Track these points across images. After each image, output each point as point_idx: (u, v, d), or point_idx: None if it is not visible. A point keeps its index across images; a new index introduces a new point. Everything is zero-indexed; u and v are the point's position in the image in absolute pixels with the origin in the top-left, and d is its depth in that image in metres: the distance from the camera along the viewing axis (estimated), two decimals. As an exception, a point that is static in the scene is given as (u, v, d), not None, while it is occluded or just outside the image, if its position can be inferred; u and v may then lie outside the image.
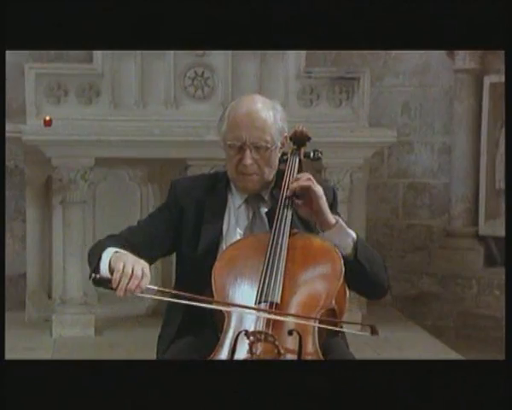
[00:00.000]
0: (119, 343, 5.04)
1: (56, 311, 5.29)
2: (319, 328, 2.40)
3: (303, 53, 5.62)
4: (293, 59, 5.60)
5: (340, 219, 2.65)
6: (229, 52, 5.50)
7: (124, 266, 2.40)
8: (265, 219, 2.73)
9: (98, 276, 2.45)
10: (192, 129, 5.23)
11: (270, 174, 2.74)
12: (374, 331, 2.40)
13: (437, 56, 6.01)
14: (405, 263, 6.15)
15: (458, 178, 6.00)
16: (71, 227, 5.27)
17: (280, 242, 2.56)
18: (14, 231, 5.83)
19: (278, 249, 2.54)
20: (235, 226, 2.74)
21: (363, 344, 5.00)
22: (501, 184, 5.77)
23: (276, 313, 2.40)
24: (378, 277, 2.67)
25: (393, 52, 6.08)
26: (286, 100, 5.61)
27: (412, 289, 6.16)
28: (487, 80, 5.84)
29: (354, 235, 2.64)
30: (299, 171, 2.82)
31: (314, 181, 2.64)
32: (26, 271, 5.65)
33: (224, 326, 2.45)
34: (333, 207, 2.76)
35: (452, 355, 4.92)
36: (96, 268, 2.53)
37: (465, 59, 5.85)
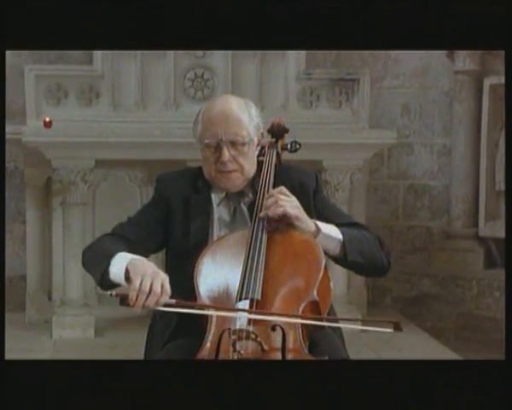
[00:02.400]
0: (120, 345, 5.04)
1: (56, 312, 5.30)
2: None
3: (303, 54, 5.62)
4: (293, 60, 5.61)
5: (322, 226, 2.63)
6: (229, 54, 5.50)
7: (141, 283, 2.36)
8: (247, 214, 2.73)
9: (114, 293, 2.40)
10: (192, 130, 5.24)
11: (250, 170, 2.74)
12: (397, 327, 2.36)
13: (437, 58, 6.02)
14: (405, 264, 6.15)
15: (458, 180, 6.01)
16: (71, 229, 5.27)
17: (259, 238, 2.57)
18: (14, 232, 5.83)
19: (258, 245, 2.55)
20: (217, 224, 2.75)
21: (363, 345, 5.01)
22: (501, 185, 5.78)
23: (258, 308, 2.42)
24: (376, 262, 2.69)
25: (393, 53, 6.09)
26: (286, 101, 5.62)
27: (412, 290, 6.16)
28: (487, 82, 5.84)
29: (340, 236, 2.63)
30: (278, 163, 2.82)
31: (285, 201, 2.59)
32: (26, 272, 5.66)
33: (208, 326, 2.46)
34: (316, 192, 2.77)
35: (452, 357, 4.92)
36: (103, 275, 2.51)
37: (465, 60, 5.85)
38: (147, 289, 2.34)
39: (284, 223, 2.61)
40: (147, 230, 2.74)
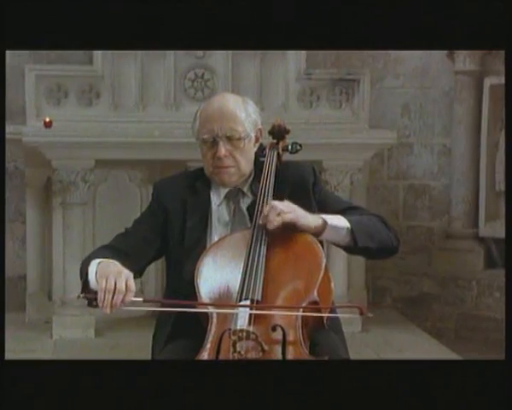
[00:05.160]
0: (120, 345, 5.04)
1: (56, 312, 5.30)
2: (302, 322, 2.42)
3: (303, 54, 5.62)
4: (294, 60, 5.61)
5: (328, 218, 2.62)
6: (230, 54, 5.51)
7: (106, 282, 2.41)
8: (246, 215, 2.74)
9: (82, 295, 2.48)
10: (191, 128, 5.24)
11: (246, 167, 2.75)
12: (362, 312, 2.44)
13: (437, 58, 6.01)
14: (405, 265, 6.15)
15: (458, 180, 6.01)
16: (71, 229, 5.27)
17: (260, 238, 2.57)
18: (15, 232, 5.83)
19: (258, 246, 2.55)
20: (217, 224, 2.75)
21: (363, 345, 5.02)
22: (501, 185, 5.77)
23: (258, 308, 2.42)
24: (385, 243, 2.69)
25: (393, 54, 6.09)
26: (286, 101, 5.62)
27: (412, 290, 6.16)
28: (487, 82, 5.84)
29: (347, 224, 2.62)
30: (278, 164, 2.82)
31: (281, 215, 2.56)
32: (26, 272, 5.66)
33: (208, 326, 2.46)
34: (315, 184, 2.77)
35: (452, 357, 4.92)
36: (84, 284, 2.56)
37: (465, 61, 5.85)
38: (112, 287, 2.39)
39: (287, 229, 2.60)
40: (142, 239, 2.76)
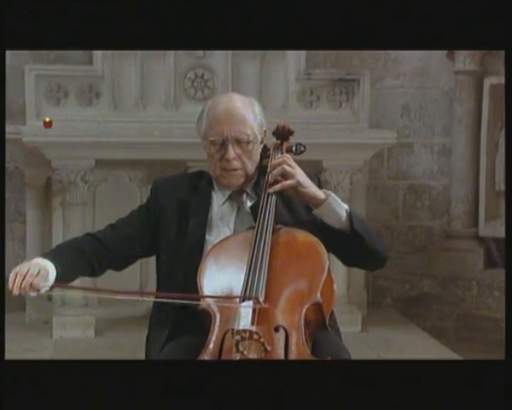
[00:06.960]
0: (120, 345, 5.04)
1: (56, 312, 5.29)
2: (305, 323, 2.42)
3: (303, 54, 5.63)
4: (294, 60, 5.61)
5: (332, 193, 2.66)
6: (229, 54, 5.51)
7: (20, 267, 2.53)
8: (250, 215, 2.74)
9: None
10: (192, 130, 5.21)
11: (252, 168, 2.76)
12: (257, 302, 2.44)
13: (437, 58, 6.01)
14: (405, 264, 6.15)
15: (458, 180, 6.01)
16: (71, 229, 5.26)
17: (263, 238, 2.57)
18: (14, 232, 5.82)
19: (262, 246, 2.55)
20: (219, 224, 2.75)
21: (363, 345, 5.02)
22: (501, 185, 5.78)
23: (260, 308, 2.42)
24: (376, 246, 2.68)
25: (393, 54, 6.09)
26: (286, 101, 5.63)
27: (412, 290, 6.16)
28: (487, 82, 5.84)
29: (347, 206, 2.66)
30: None
31: (288, 168, 2.66)
32: (26, 272, 5.64)
33: (211, 326, 2.46)
34: None
35: (452, 357, 4.92)
36: None
37: (465, 60, 5.85)
38: (24, 272, 2.51)
39: (289, 190, 2.65)
40: (129, 234, 2.79)
